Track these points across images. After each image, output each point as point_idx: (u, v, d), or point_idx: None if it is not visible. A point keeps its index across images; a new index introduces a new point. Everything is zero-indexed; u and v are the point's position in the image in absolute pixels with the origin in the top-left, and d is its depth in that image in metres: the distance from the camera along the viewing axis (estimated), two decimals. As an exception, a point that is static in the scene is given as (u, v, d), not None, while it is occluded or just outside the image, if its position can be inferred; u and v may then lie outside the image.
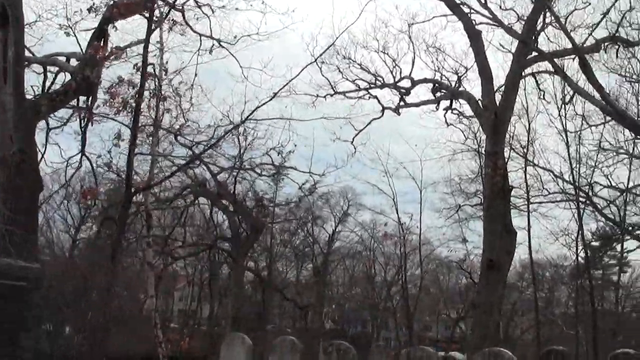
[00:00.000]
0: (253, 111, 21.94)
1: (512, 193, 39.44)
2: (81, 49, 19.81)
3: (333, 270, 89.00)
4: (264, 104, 21.76)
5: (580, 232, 40.22)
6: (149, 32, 19.17)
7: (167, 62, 22.11)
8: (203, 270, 73.18)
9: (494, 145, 24.51)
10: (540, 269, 67.37)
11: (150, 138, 22.11)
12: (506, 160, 26.62)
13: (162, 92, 20.95)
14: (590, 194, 37.66)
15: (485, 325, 23.93)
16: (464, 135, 36.10)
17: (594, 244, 47.80)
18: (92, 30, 19.18)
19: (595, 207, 37.81)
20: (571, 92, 29.85)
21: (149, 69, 20.21)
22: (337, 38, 23.84)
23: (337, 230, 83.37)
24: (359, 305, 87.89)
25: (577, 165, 38.00)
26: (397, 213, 49.04)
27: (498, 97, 25.35)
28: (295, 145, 25.73)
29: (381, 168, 47.99)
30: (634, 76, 36.28)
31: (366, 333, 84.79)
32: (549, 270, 67.39)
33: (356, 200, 74.58)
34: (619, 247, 47.50)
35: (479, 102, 25.70)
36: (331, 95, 29.18)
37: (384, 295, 78.55)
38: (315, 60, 24.03)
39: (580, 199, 38.45)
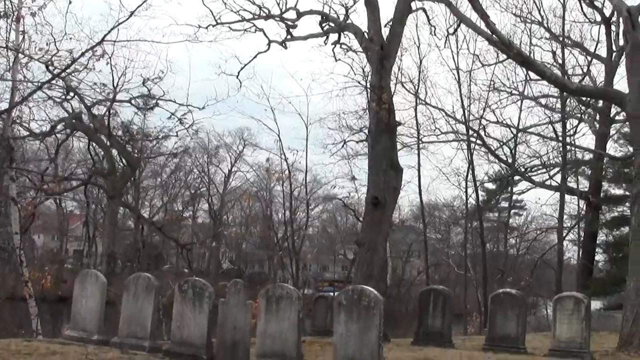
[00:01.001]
0: (109, 31, 20.89)
1: (403, 132, 39.42)
2: None
3: (229, 210, 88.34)
4: (121, 22, 21.02)
5: (471, 172, 40.14)
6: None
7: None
8: (97, 210, 71.59)
9: (379, 79, 23.66)
10: (436, 210, 67.91)
11: (11, 63, 20.57)
12: (393, 95, 25.82)
13: (19, 13, 19.45)
14: (482, 134, 37.55)
15: (369, 264, 23.33)
16: (353, 70, 35.37)
17: (488, 185, 47.91)
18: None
19: (487, 147, 37.71)
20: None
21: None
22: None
23: (232, 170, 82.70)
24: (256, 245, 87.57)
25: (469, 104, 37.76)
26: (282, 149, 48.37)
27: (387, 31, 24.59)
28: (163, 72, 24.65)
29: (267, 104, 47.28)
30: (529, 15, 36.22)
31: (262, 273, 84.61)
32: (444, 212, 67.86)
33: (252, 140, 73.85)
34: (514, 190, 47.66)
35: (366, 35, 24.80)
36: (213, 26, 27.83)
37: (281, 235, 78.38)
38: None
39: (472, 138, 38.32)
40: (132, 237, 62.12)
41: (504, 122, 37.16)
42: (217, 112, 31.50)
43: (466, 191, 42.44)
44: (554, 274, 39.81)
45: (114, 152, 27.56)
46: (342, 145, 33.50)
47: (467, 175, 41.02)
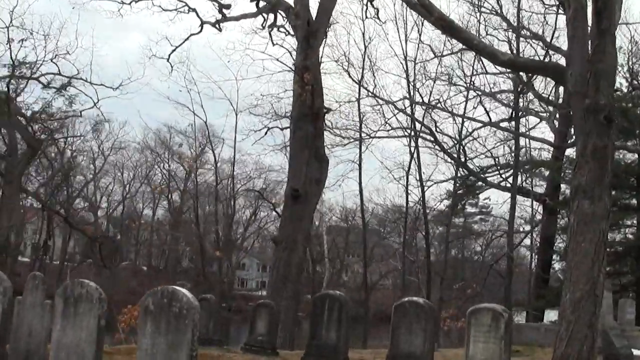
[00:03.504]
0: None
1: (350, 126, 37.05)
2: None
3: (190, 208, 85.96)
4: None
5: (418, 170, 37.75)
6: None
7: None
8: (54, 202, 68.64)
9: (304, 58, 21.64)
10: (399, 213, 65.56)
11: None
12: (321, 77, 23.42)
13: None
14: (434, 130, 35.38)
15: (287, 264, 21.13)
16: (291, 55, 33.18)
17: (445, 186, 45.59)
18: None
19: (439, 144, 35.50)
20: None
21: None
22: None
23: (196, 166, 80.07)
24: (215, 244, 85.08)
25: (413, 95, 35.38)
26: (209, 138, 46.92)
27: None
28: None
29: (197, 89, 45.32)
30: (485, 3, 34.13)
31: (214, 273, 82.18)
32: (402, 215, 65.54)
33: (216, 135, 71.42)
34: (480, 196, 45.63)
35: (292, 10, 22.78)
36: (136, 1, 26.35)
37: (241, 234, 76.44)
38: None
39: (426, 136, 36.17)
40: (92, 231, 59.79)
41: (458, 115, 34.99)
42: (125, 91, 29.34)
43: (406, 190, 40.19)
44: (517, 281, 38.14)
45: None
46: (265, 133, 30.75)
47: (408, 170, 38.88)
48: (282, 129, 30.58)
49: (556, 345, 14.00)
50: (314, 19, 22.37)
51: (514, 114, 33.90)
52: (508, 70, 32.26)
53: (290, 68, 30.78)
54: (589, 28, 14.13)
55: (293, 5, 22.85)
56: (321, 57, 26.52)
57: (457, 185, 39.99)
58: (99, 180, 78.18)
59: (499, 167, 35.96)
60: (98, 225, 74.85)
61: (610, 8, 13.68)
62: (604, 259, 13.78)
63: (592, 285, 13.56)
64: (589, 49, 13.99)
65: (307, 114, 21.31)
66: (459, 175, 38.76)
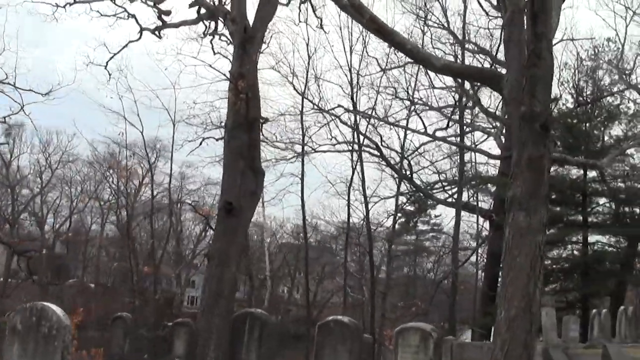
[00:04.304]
0: None
1: (289, 137, 36.33)
2: None
3: (139, 223, 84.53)
4: None
5: (362, 185, 37.09)
6: None
7: None
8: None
9: (239, 65, 20.93)
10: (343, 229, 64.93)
11: None
12: (258, 86, 22.62)
13: None
14: (380, 144, 34.86)
15: (219, 280, 20.19)
16: (232, 64, 32.48)
17: (391, 200, 45.08)
18: None
19: (385, 159, 34.98)
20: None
21: None
22: None
23: (144, 182, 78.74)
24: (165, 262, 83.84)
25: (357, 106, 34.85)
26: (146, 149, 46.09)
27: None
28: None
29: (134, 97, 44.65)
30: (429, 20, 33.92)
31: (170, 291, 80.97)
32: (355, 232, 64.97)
33: (165, 150, 70.12)
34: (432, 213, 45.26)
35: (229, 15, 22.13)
36: (71, 5, 25.42)
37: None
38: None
39: (371, 150, 35.61)
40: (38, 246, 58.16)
41: (400, 127, 34.50)
42: (53, 97, 28.28)
43: (348, 205, 39.23)
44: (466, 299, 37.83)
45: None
46: (200, 143, 29.79)
47: (350, 185, 38.02)
48: (217, 139, 29.72)
49: (490, 366, 13.31)
50: (251, 25, 21.71)
51: (450, 125, 33.92)
52: (453, 84, 32.10)
53: (226, 76, 30.09)
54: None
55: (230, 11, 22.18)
56: (259, 65, 25.74)
57: (406, 201, 39.45)
58: (46, 194, 76.46)
59: (444, 183, 35.59)
60: (44, 241, 73.15)
61: (547, 12, 13.07)
62: (540, 274, 13.06)
63: (528, 302, 12.81)
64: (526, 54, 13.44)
65: (242, 123, 20.59)
66: (404, 190, 38.13)
